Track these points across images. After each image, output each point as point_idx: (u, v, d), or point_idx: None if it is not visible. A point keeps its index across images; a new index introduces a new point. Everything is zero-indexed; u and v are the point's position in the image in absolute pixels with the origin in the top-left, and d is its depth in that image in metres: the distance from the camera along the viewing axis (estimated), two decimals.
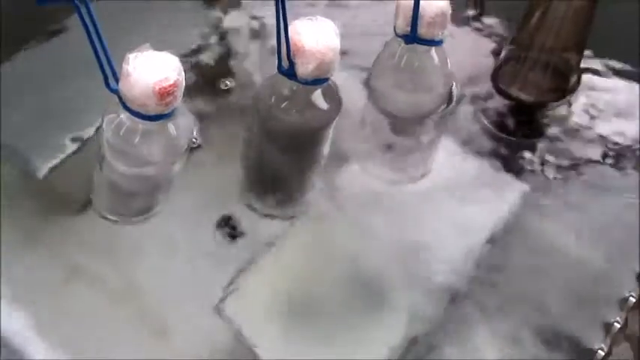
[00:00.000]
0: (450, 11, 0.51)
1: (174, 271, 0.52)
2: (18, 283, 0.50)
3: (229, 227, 0.54)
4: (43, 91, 0.59)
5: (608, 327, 0.52)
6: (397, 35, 0.52)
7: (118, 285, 0.51)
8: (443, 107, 0.57)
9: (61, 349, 0.48)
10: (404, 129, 0.57)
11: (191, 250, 0.53)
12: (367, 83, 0.57)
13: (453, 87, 0.55)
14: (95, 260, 0.52)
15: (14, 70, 0.60)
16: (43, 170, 0.56)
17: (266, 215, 0.55)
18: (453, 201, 0.57)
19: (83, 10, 0.44)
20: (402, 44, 0.52)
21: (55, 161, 0.56)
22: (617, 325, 0.52)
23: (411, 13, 0.50)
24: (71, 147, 0.57)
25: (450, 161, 0.59)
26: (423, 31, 0.51)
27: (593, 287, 0.54)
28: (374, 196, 0.57)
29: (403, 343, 0.50)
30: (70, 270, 0.51)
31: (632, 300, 0.53)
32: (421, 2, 0.50)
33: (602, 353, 0.51)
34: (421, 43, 0.52)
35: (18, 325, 0.49)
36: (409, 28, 0.51)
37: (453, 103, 0.56)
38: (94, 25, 0.44)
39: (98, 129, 0.55)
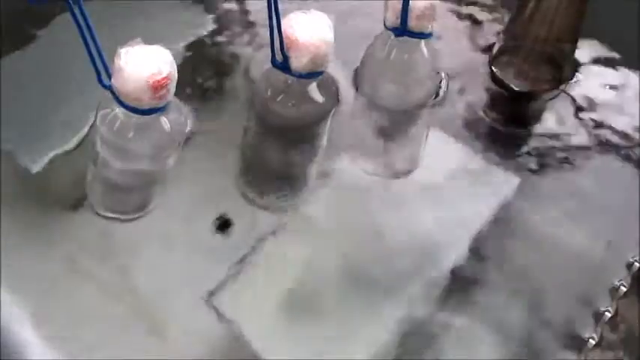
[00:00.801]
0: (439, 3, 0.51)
1: (170, 267, 0.52)
2: (14, 281, 0.50)
3: (225, 222, 0.54)
4: (39, 88, 0.59)
5: (598, 316, 0.52)
6: (386, 28, 0.53)
7: (114, 281, 0.51)
8: (432, 99, 0.58)
9: (56, 346, 0.49)
10: (393, 121, 0.58)
11: (187, 245, 0.53)
12: (356, 76, 0.58)
13: (442, 79, 0.56)
14: (91, 257, 0.52)
15: (10, 67, 0.60)
16: (38, 167, 0.56)
17: (263, 208, 0.55)
18: (447, 193, 0.57)
19: (75, 8, 0.44)
20: (392, 37, 0.53)
21: (50, 158, 0.56)
22: (608, 314, 0.52)
23: (400, 6, 0.50)
24: (67, 144, 0.57)
25: (444, 153, 0.59)
26: (412, 24, 0.51)
27: (584, 276, 0.54)
28: (369, 190, 0.57)
29: (401, 339, 0.50)
30: (66, 267, 0.51)
31: (623, 289, 0.53)
32: None
33: (592, 342, 0.51)
34: (411, 36, 0.52)
35: (13, 323, 0.49)
36: (399, 21, 0.51)
37: (441, 95, 0.56)
38: (86, 22, 0.45)
39: (93, 125, 0.55)
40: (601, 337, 0.51)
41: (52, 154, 0.56)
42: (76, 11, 0.44)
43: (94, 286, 0.51)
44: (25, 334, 0.49)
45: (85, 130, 0.57)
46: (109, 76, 0.47)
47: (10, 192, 0.54)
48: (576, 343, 0.51)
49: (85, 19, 0.45)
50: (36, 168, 0.55)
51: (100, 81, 0.47)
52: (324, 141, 0.55)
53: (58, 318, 0.50)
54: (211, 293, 0.51)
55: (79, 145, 0.56)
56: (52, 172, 0.55)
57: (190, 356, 0.49)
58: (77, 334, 0.49)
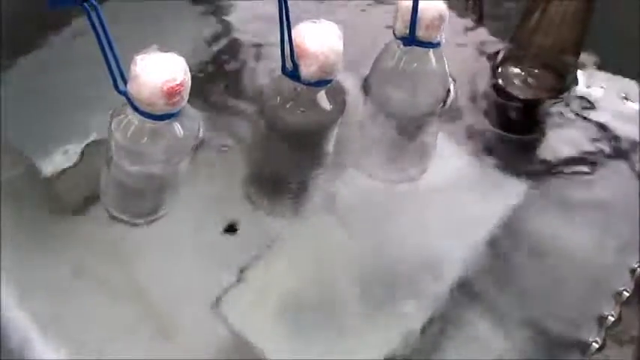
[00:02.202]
0: (448, 14, 0.52)
1: (178, 271, 0.52)
2: (22, 284, 0.50)
3: (233, 227, 0.55)
4: (48, 92, 0.59)
5: (602, 320, 0.53)
6: (396, 38, 0.54)
7: (121, 285, 0.51)
8: (440, 107, 0.58)
9: (64, 348, 0.49)
10: (402, 129, 0.59)
11: (194, 250, 0.53)
12: (366, 84, 0.58)
13: (450, 87, 0.56)
14: (98, 260, 0.52)
15: (20, 71, 0.60)
16: (48, 171, 0.56)
17: (270, 214, 0.55)
18: (453, 200, 0.58)
19: (92, 14, 0.45)
20: (401, 46, 0.54)
21: (60, 162, 0.56)
22: (611, 319, 0.53)
23: (409, 16, 0.52)
24: (77, 148, 0.57)
25: (449, 160, 0.60)
26: (421, 33, 0.52)
27: (589, 282, 0.55)
28: (374, 196, 0.57)
29: (404, 342, 0.51)
30: (73, 270, 0.51)
31: (626, 294, 0.54)
32: (419, 5, 0.51)
33: (596, 346, 0.52)
34: (420, 46, 0.53)
35: (20, 325, 0.49)
36: (408, 31, 0.52)
37: (449, 103, 0.57)
38: (103, 28, 0.46)
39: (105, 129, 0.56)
40: (604, 341, 0.52)
41: (61, 159, 0.56)
42: (94, 18, 0.45)
43: (101, 290, 0.51)
44: (32, 337, 0.49)
45: (96, 134, 0.57)
46: (125, 82, 0.48)
47: (20, 196, 0.54)
48: (580, 346, 0.52)
49: (103, 25, 0.45)
50: (47, 170, 0.56)
51: (116, 87, 0.48)
52: (330, 147, 0.55)
53: (66, 321, 0.50)
54: (218, 297, 0.51)
55: (88, 150, 0.57)
56: (62, 176, 0.56)
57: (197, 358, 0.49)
58: (84, 338, 0.49)
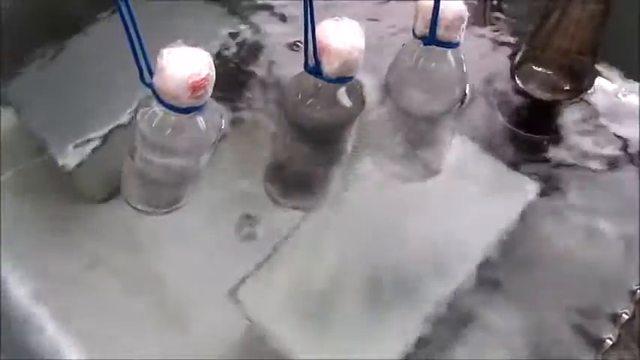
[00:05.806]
0: (467, 14, 0.53)
1: (194, 263, 0.53)
2: (39, 274, 0.51)
3: (249, 220, 0.55)
4: (71, 85, 0.61)
5: (616, 318, 0.53)
6: (415, 37, 0.55)
7: (137, 276, 0.52)
8: (457, 106, 0.59)
9: (80, 338, 0.49)
10: (419, 127, 0.60)
11: (210, 242, 0.54)
12: (385, 82, 0.59)
13: (467, 87, 0.57)
14: (115, 251, 0.53)
15: (44, 64, 0.61)
16: (68, 161, 0.57)
17: (287, 208, 0.56)
18: (466, 198, 0.58)
19: (122, 5, 0.46)
20: (420, 46, 0.55)
21: (81, 152, 0.57)
22: (625, 317, 0.53)
23: (429, 15, 0.52)
24: (98, 138, 0.58)
25: (466, 159, 0.60)
26: (441, 33, 0.53)
27: (602, 280, 0.55)
28: (390, 193, 0.58)
29: (413, 342, 0.51)
30: (90, 260, 0.52)
31: None
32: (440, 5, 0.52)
33: (610, 342, 0.52)
34: (439, 45, 0.54)
35: (37, 317, 0.50)
36: (428, 31, 0.53)
37: (466, 102, 0.57)
38: (132, 20, 0.47)
39: (123, 124, 0.57)
40: (618, 338, 0.52)
41: (82, 151, 0.57)
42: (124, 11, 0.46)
43: (117, 280, 0.52)
44: (49, 328, 0.49)
45: (118, 125, 0.58)
46: (151, 74, 0.49)
47: (39, 187, 0.55)
48: (594, 343, 0.52)
49: (132, 17, 0.46)
50: (68, 160, 0.57)
51: (142, 78, 0.49)
52: (349, 144, 0.56)
53: (82, 312, 0.50)
54: (233, 291, 0.52)
55: (108, 142, 0.58)
56: (82, 166, 0.56)
57: (211, 352, 0.50)
58: (99, 328, 0.50)
